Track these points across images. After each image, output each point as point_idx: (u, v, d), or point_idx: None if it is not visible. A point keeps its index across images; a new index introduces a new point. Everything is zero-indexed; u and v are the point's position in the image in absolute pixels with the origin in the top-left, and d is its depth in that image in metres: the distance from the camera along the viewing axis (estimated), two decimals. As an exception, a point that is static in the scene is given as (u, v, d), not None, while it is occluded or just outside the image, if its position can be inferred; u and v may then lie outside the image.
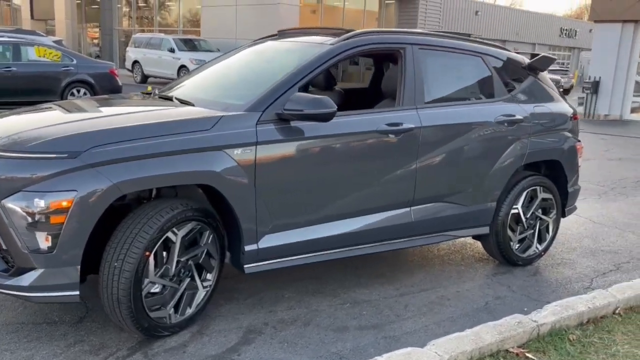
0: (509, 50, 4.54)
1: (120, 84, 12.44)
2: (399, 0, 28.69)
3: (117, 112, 3.56)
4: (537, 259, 4.49)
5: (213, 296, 3.29)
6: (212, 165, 3.00)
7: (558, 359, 3.01)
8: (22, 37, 13.17)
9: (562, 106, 4.59)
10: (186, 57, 19.42)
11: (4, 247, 2.80)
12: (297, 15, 21.89)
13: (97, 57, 27.82)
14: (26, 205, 2.64)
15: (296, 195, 3.34)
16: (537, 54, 4.74)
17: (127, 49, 22.90)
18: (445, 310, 3.62)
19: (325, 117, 3.20)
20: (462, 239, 4.72)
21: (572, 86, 30.15)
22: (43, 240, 2.67)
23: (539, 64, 4.47)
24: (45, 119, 3.38)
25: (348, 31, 3.82)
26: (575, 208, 4.80)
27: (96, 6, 30.18)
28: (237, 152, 3.07)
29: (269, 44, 4.27)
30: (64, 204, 2.65)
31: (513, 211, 4.24)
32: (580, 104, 17.72)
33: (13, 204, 2.66)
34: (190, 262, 3.08)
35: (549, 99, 4.51)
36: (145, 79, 21.35)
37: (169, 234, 2.91)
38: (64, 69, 11.75)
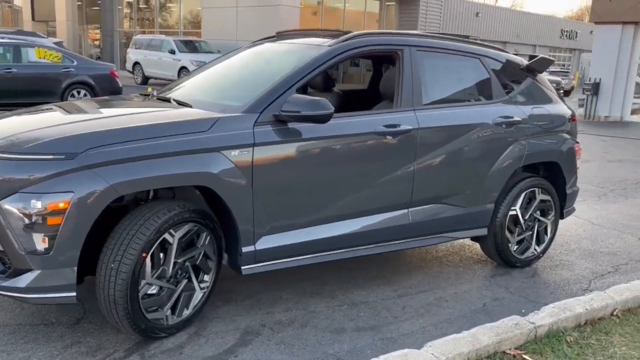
0: (507, 52, 4.54)
1: (120, 85, 12.46)
2: (399, 2, 28.71)
3: (115, 114, 3.56)
4: (536, 260, 4.49)
5: (210, 297, 3.29)
6: (209, 167, 3.00)
7: (555, 360, 3.01)
8: (22, 38, 13.20)
9: (560, 108, 4.59)
10: (187, 59, 19.43)
11: (0, 248, 2.80)
12: (298, 17, 21.91)
13: (98, 58, 27.89)
14: (23, 206, 2.65)
15: (294, 196, 3.34)
16: (536, 56, 4.74)
17: (128, 50, 22.92)
18: (443, 311, 3.62)
19: (323, 119, 3.20)
20: (461, 240, 4.71)
21: (572, 88, 30.16)
22: (40, 242, 2.68)
23: (537, 66, 4.47)
24: (43, 120, 3.39)
25: (346, 33, 3.83)
26: (573, 210, 4.80)
27: (97, 8, 30.21)
28: (235, 153, 3.07)
29: (268, 45, 4.28)
30: (61, 205, 2.65)
31: (511, 213, 4.24)
32: (580, 106, 17.72)
33: (10, 205, 2.66)
34: (187, 263, 3.08)
35: (547, 100, 4.51)
36: (145, 80, 21.37)
37: (166, 236, 2.91)
38: (64, 70, 11.78)
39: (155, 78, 20.76)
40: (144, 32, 26.57)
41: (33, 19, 30.55)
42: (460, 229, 4.10)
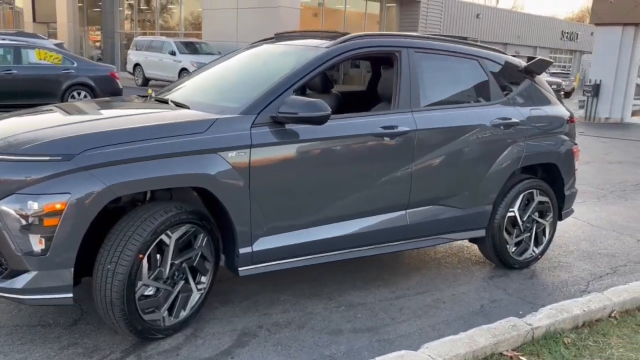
0: (505, 53, 4.54)
1: (120, 86, 12.47)
2: (400, 3, 28.73)
3: (112, 115, 3.56)
4: (534, 262, 4.49)
5: (208, 299, 3.29)
6: (206, 168, 3.00)
7: (552, 362, 3.01)
8: (23, 40, 13.22)
9: (558, 109, 4.59)
10: (187, 60, 19.44)
11: (-3, 249, 2.80)
12: (298, 18, 21.91)
13: (99, 59, 27.94)
14: (20, 207, 2.65)
15: (291, 198, 3.34)
16: (534, 57, 4.74)
17: (129, 51, 22.94)
18: (441, 313, 3.61)
19: (320, 120, 3.20)
20: (459, 242, 4.72)
21: (573, 89, 30.12)
22: (36, 243, 2.68)
23: (535, 67, 4.47)
24: (41, 121, 3.40)
25: (344, 34, 3.83)
26: (572, 211, 4.79)
27: (98, 9, 30.26)
28: (232, 154, 3.08)
29: (266, 47, 4.28)
30: (58, 206, 2.66)
31: (509, 214, 4.24)
32: (581, 107, 17.72)
33: (7, 207, 2.67)
34: (184, 264, 3.08)
35: (546, 102, 4.51)
36: (146, 81, 21.39)
37: (163, 237, 2.91)
38: (64, 71, 11.78)
39: (156, 79, 20.78)
40: (144, 34, 26.59)
41: (34, 20, 30.61)
42: (458, 230, 4.10)
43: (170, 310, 3.07)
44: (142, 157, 2.85)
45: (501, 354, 3.04)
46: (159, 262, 2.96)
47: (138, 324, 2.90)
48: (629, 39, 16.44)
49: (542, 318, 3.31)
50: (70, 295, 2.78)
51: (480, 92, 4.25)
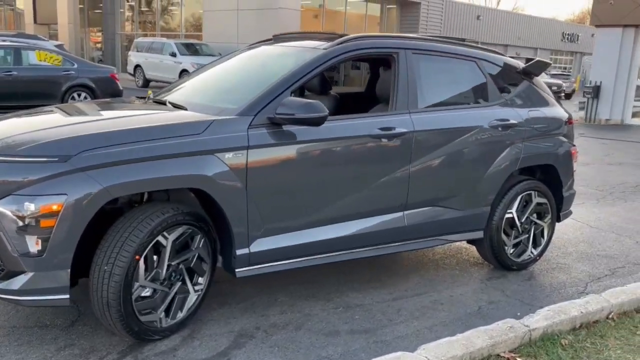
0: (503, 55, 4.54)
1: (120, 88, 12.50)
2: (400, 5, 28.75)
3: (110, 116, 3.56)
4: (532, 263, 4.48)
5: (205, 300, 3.29)
6: (203, 169, 3.00)
7: (549, 364, 3.01)
8: (23, 41, 13.24)
9: (557, 111, 4.59)
10: (187, 62, 19.47)
11: (-6, 250, 2.81)
12: (299, 20, 21.94)
13: (100, 61, 27.97)
14: (16, 208, 2.65)
15: (288, 199, 3.34)
16: (532, 59, 4.74)
17: (129, 53, 22.98)
18: (438, 314, 3.61)
19: (317, 122, 3.20)
20: (458, 243, 4.72)
21: (574, 91, 30.13)
22: (33, 244, 2.68)
23: (533, 69, 4.47)
24: (40, 122, 3.40)
25: (342, 36, 3.83)
26: (570, 212, 4.79)
27: (99, 10, 30.31)
28: (229, 156, 3.08)
29: (264, 48, 4.29)
30: (54, 207, 2.66)
31: (507, 215, 4.24)
32: (581, 109, 17.72)
33: (3, 208, 2.67)
34: (181, 266, 3.08)
35: (544, 103, 4.51)
36: (147, 83, 21.41)
37: (160, 238, 2.91)
38: (64, 73, 11.80)
39: (157, 81, 20.80)
40: (145, 35, 26.63)
41: (35, 21, 30.64)
42: (456, 231, 4.09)
43: (167, 311, 3.06)
44: (139, 159, 2.85)
45: (498, 355, 3.04)
46: (155, 264, 2.96)
47: (135, 325, 2.90)
48: (629, 41, 16.44)
49: (540, 320, 3.31)
50: (67, 296, 2.79)
51: (478, 94, 4.25)
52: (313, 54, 3.59)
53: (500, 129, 4.11)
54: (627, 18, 16.05)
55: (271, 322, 3.38)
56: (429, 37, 4.23)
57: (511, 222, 4.28)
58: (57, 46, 14.47)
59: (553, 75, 29.11)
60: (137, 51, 22.06)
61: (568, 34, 43.57)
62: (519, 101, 4.35)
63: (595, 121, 17.07)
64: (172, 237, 2.97)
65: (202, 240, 3.13)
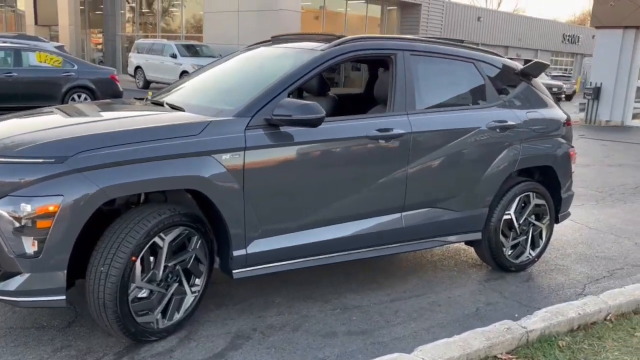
0: (502, 56, 4.54)
1: (121, 89, 12.51)
2: (401, 7, 28.77)
3: (107, 117, 3.57)
4: (531, 265, 4.48)
5: (202, 301, 3.29)
6: (200, 171, 3.00)
7: (546, 365, 3.00)
8: (23, 42, 13.26)
9: (555, 112, 4.59)
10: (188, 63, 19.49)
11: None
12: (299, 21, 21.97)
13: (101, 62, 28.01)
14: (13, 209, 2.65)
15: (285, 200, 3.34)
16: (530, 60, 4.74)
17: (130, 54, 23.01)
18: (436, 316, 3.61)
19: (314, 123, 3.20)
20: (456, 244, 4.71)
21: (574, 92, 30.10)
22: (29, 245, 2.68)
23: (531, 70, 4.47)
24: (38, 123, 3.40)
25: (339, 37, 3.83)
26: (569, 214, 4.78)
27: (100, 12, 30.35)
28: (226, 157, 3.08)
29: (262, 49, 4.29)
30: (51, 208, 2.66)
31: (505, 217, 4.23)
32: (581, 110, 17.70)
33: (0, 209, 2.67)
34: (178, 267, 3.08)
35: (542, 104, 4.51)
36: (147, 84, 21.44)
37: (156, 239, 2.91)
38: (64, 74, 11.82)
39: (157, 82, 20.82)
40: (146, 37, 26.67)
41: (36, 23, 30.70)
42: (454, 233, 4.09)
43: (163, 312, 3.06)
44: (136, 160, 2.85)
45: (495, 357, 3.03)
46: (152, 265, 2.96)
47: (131, 326, 2.89)
48: (630, 42, 16.43)
49: (537, 321, 3.30)
50: (63, 297, 2.79)
51: (476, 95, 4.24)
52: (310, 55, 3.59)
53: (498, 130, 4.11)
54: (628, 19, 16.05)
55: (268, 323, 3.37)
56: (427, 39, 4.23)
57: (509, 223, 4.27)
58: (57, 47, 14.50)
59: (554, 77, 29.06)
60: (138, 52, 22.09)
61: (569, 36, 43.58)
62: (517, 102, 4.34)
63: (596, 122, 17.05)
64: (168, 238, 2.97)
65: (199, 241, 3.13)
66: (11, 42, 12.78)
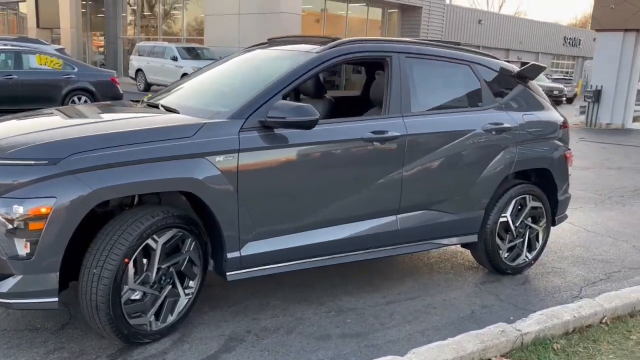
0: (498, 59, 4.53)
1: (121, 92, 12.53)
2: (402, 10, 28.78)
3: (101, 119, 3.57)
4: (527, 267, 4.47)
5: (196, 303, 3.28)
6: (193, 173, 3.00)
7: (540, 368, 2.99)
8: (24, 45, 13.28)
9: (552, 114, 4.58)
10: (189, 65, 19.51)
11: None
12: (300, 24, 21.98)
13: (102, 65, 28.05)
14: (5, 211, 2.65)
15: (279, 202, 3.33)
16: (527, 62, 4.74)
17: (131, 57, 23.04)
18: (431, 318, 3.60)
19: (308, 125, 3.20)
20: (453, 247, 4.70)
21: (575, 95, 30.07)
22: (22, 247, 2.68)
23: (528, 72, 4.46)
24: (34, 125, 3.40)
25: (335, 39, 3.83)
26: (565, 217, 4.77)
27: (101, 15, 30.41)
28: (220, 159, 3.08)
29: (258, 52, 4.29)
30: (43, 210, 2.66)
31: (502, 219, 4.22)
32: (582, 113, 17.68)
33: (-8, 211, 2.67)
34: (171, 269, 3.08)
35: (539, 107, 4.50)
36: (148, 87, 21.45)
37: (149, 241, 2.91)
38: (64, 76, 11.84)
39: (158, 85, 20.83)
40: (148, 39, 26.72)
41: (38, 26, 30.74)
42: (450, 235, 4.08)
43: (157, 314, 3.06)
44: (129, 161, 2.85)
45: (489, 359, 3.02)
46: (145, 267, 2.96)
47: (124, 328, 2.89)
48: (630, 45, 16.41)
49: (532, 324, 3.29)
50: (56, 299, 2.78)
51: (472, 97, 4.24)
52: (306, 57, 3.59)
53: (494, 132, 4.10)
54: (628, 22, 16.04)
55: (262, 325, 3.37)
56: (423, 41, 4.22)
57: (506, 226, 4.27)
58: (58, 50, 14.51)
59: (555, 80, 29.08)
60: (139, 55, 22.13)
61: (570, 39, 43.57)
62: (514, 105, 4.34)
63: (596, 125, 17.03)
64: (162, 240, 2.97)
65: (193, 243, 3.13)
66: (12, 45, 12.81)
